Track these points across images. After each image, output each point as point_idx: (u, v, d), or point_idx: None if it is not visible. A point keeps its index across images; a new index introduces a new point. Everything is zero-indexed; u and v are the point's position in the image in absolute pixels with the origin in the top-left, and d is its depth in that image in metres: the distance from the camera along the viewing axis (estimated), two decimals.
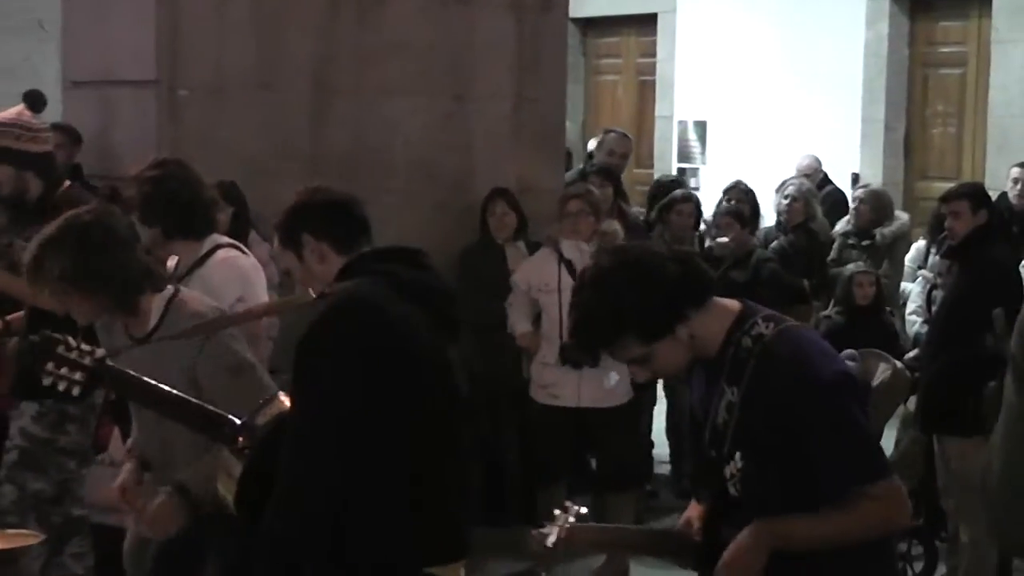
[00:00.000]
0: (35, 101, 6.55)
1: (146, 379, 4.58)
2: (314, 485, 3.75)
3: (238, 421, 4.32)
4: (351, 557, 3.80)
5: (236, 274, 5.62)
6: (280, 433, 3.95)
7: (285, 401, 4.19)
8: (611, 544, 3.84)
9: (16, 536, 5.21)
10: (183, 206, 5.55)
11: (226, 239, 5.87)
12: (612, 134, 11.24)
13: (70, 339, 4.58)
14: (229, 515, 4.32)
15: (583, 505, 3.59)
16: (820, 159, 12.83)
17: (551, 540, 3.42)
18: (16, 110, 6.47)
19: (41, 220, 6.13)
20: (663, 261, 3.53)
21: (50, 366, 4.51)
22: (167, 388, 4.59)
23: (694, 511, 3.92)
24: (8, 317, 6.40)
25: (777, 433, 3.50)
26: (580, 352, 3.65)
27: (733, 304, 3.63)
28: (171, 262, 5.65)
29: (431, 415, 3.84)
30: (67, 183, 6.57)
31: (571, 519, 3.50)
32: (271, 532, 3.78)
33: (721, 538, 3.69)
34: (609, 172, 9.95)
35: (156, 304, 4.80)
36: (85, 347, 4.56)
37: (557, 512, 3.47)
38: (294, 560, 3.80)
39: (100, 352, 4.60)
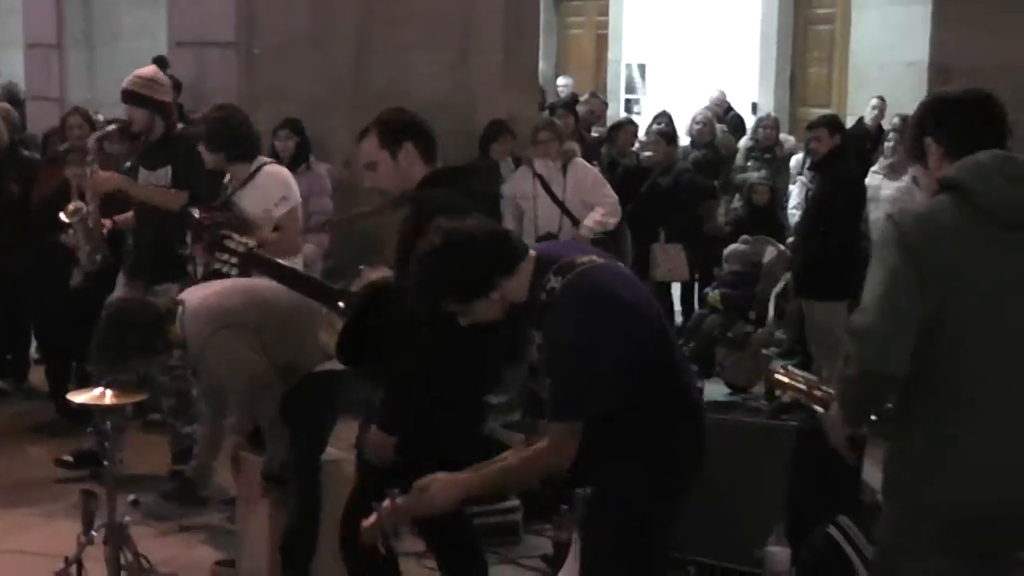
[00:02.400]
0: (162, 63, 6.43)
1: (280, 262, 4.63)
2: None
3: (337, 288, 4.24)
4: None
5: (279, 181, 5.61)
6: (372, 298, 3.95)
7: (369, 274, 4.12)
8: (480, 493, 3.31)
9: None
10: (238, 137, 5.55)
11: (269, 159, 5.86)
12: (595, 99, 11.40)
13: (234, 235, 4.59)
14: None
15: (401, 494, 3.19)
16: (726, 91, 12.72)
17: (370, 520, 3.16)
18: (152, 68, 6.34)
19: (162, 153, 6.06)
20: (478, 243, 3.17)
21: (218, 254, 4.55)
22: (292, 266, 4.76)
23: None
24: (116, 217, 6.25)
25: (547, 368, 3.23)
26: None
27: (530, 256, 3.24)
28: (227, 180, 5.68)
29: None
30: (180, 126, 6.34)
31: (387, 503, 3.15)
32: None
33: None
34: (571, 106, 9.76)
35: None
36: (241, 240, 4.57)
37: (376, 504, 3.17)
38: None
39: (252, 243, 4.62)
